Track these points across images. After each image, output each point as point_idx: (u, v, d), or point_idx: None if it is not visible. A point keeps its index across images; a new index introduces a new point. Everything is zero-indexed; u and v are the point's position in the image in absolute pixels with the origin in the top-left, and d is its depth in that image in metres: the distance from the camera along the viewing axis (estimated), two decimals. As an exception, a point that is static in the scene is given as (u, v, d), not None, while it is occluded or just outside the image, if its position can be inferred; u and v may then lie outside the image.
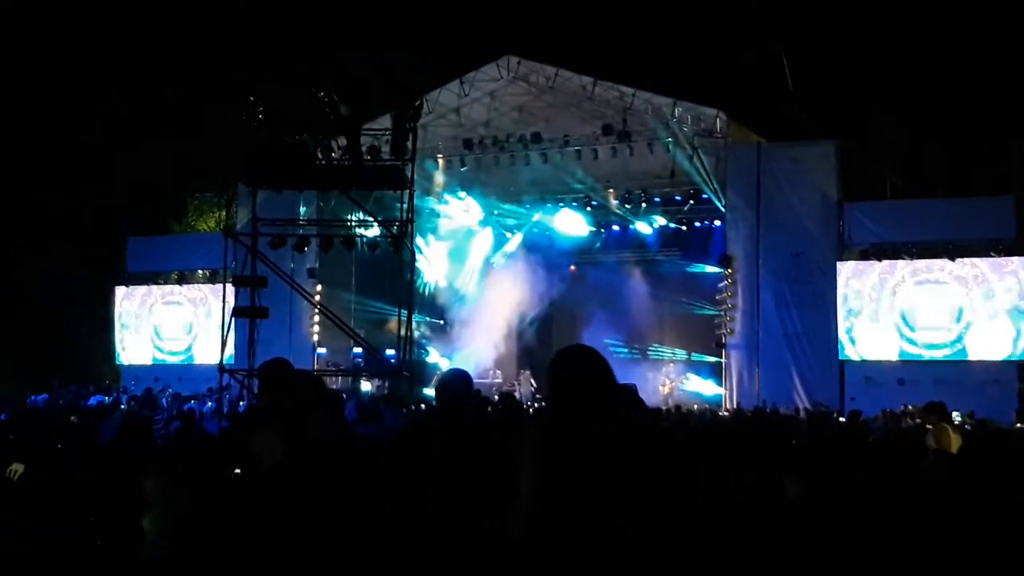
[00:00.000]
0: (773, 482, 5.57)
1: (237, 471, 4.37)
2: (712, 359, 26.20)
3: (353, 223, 23.11)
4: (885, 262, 23.52)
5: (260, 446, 4.14)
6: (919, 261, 23.33)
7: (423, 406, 17.62)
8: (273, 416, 4.35)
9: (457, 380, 5.16)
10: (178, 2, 29.98)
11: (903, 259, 23.48)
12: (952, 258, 22.91)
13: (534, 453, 3.57)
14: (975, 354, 22.57)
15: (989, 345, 22.50)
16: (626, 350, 28.71)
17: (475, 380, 26.07)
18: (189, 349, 28.65)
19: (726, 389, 24.41)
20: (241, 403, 19.11)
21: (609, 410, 3.58)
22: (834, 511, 5.28)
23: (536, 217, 29.61)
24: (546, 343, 30.18)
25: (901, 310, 23.28)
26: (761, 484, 5.54)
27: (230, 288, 19.20)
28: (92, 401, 20.93)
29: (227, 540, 3.88)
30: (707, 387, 26.62)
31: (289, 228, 21.65)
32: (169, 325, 29.06)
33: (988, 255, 22.81)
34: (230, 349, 20.94)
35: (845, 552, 4.81)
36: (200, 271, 29.54)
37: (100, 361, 29.92)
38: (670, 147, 25.10)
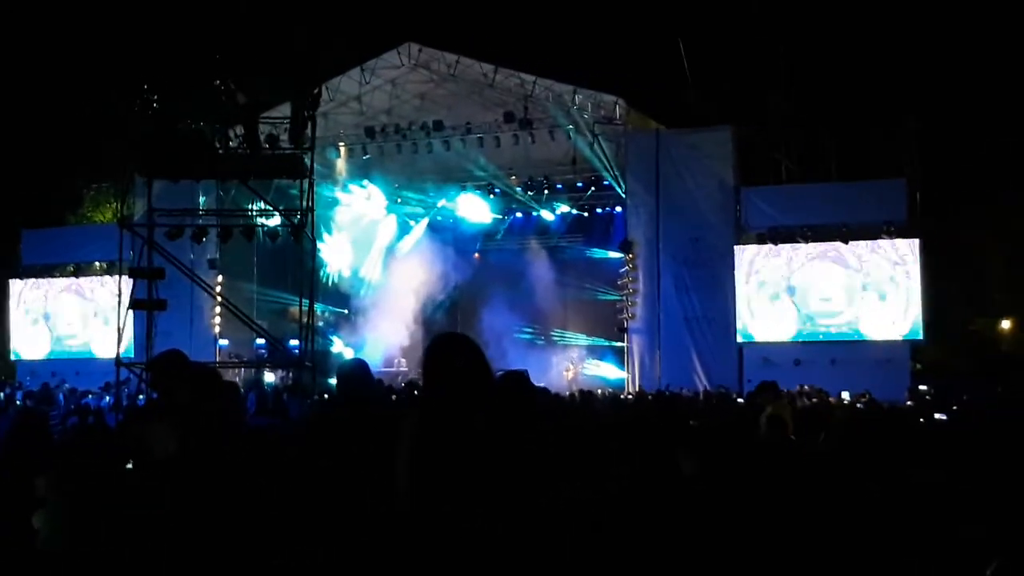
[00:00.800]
0: (670, 461, 5.69)
1: (129, 465, 4.32)
2: (615, 343, 26.51)
3: (253, 213, 22.81)
4: (781, 245, 24.03)
5: (153, 440, 4.10)
6: (814, 244, 23.90)
7: (326, 396, 17.52)
8: (166, 410, 4.30)
9: (357, 370, 5.16)
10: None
11: (798, 242, 24.02)
12: (846, 240, 23.52)
13: (407, 442, 3.60)
14: (869, 334, 23.25)
15: (882, 326, 23.19)
16: (530, 335, 28.89)
17: (381, 369, 26.09)
18: (86, 343, 28.01)
19: (628, 373, 24.74)
20: (140, 397, 18.78)
21: (478, 398, 3.62)
22: (727, 487, 5.41)
23: (440, 204, 29.59)
24: (450, 330, 30.18)
25: (797, 292, 23.85)
26: (658, 464, 5.66)
27: (127, 280, 18.83)
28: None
29: (119, 534, 3.84)
30: (610, 371, 26.92)
31: (187, 218, 21.29)
32: (65, 319, 28.38)
33: (881, 237, 23.46)
34: (128, 342, 20.57)
35: (737, 527, 4.95)
36: (97, 263, 28.88)
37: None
38: (571, 134, 25.32)
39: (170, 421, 4.14)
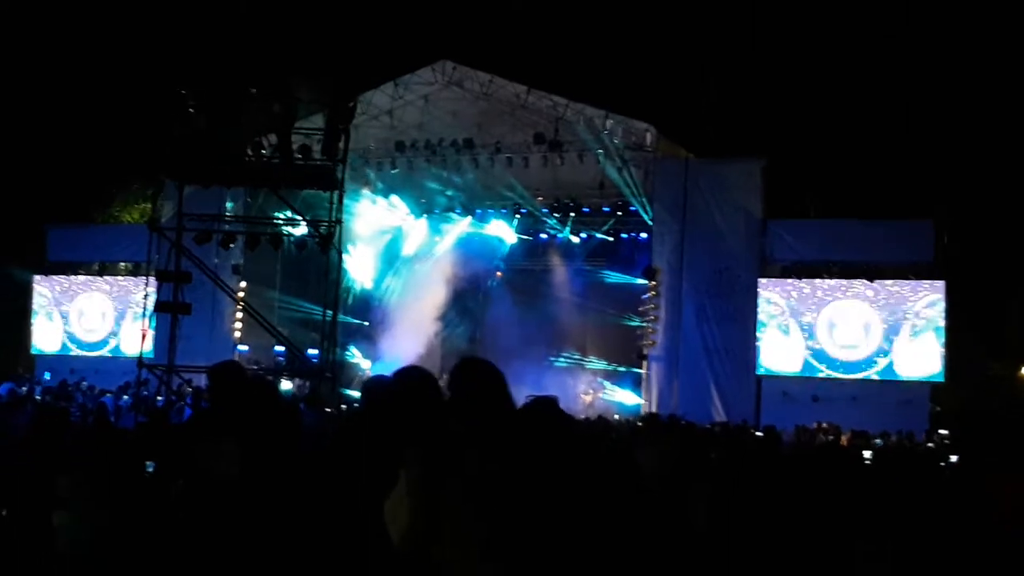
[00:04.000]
0: (684, 495, 5.67)
1: (182, 482, 4.25)
2: (634, 369, 26.44)
3: (281, 221, 22.93)
4: (805, 280, 24.00)
5: (211, 458, 3.98)
6: (838, 280, 23.85)
7: (343, 407, 17.55)
8: (225, 425, 4.10)
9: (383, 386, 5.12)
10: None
11: (823, 277, 23.98)
12: (871, 279, 23.47)
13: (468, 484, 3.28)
14: (889, 374, 23.15)
15: (903, 366, 23.11)
16: (550, 356, 28.84)
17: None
18: (107, 342, 28.19)
19: (646, 400, 24.69)
20: (159, 398, 18.89)
21: (496, 429, 3.51)
22: (744, 524, 5.40)
23: (466, 222, 29.64)
24: (471, 348, 30.27)
25: (819, 328, 23.78)
26: (674, 498, 5.64)
27: (152, 282, 18.98)
28: (2, 390, 20.50)
29: (167, 552, 3.78)
30: (628, 397, 26.85)
31: (215, 224, 21.45)
32: (88, 316, 28.57)
33: (906, 277, 23.39)
34: (149, 343, 20.70)
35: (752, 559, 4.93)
36: (122, 263, 29.07)
37: (15, 351, 29.28)
38: (600, 158, 25.34)
39: (232, 438, 3.93)
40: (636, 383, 26.19)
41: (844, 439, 18.06)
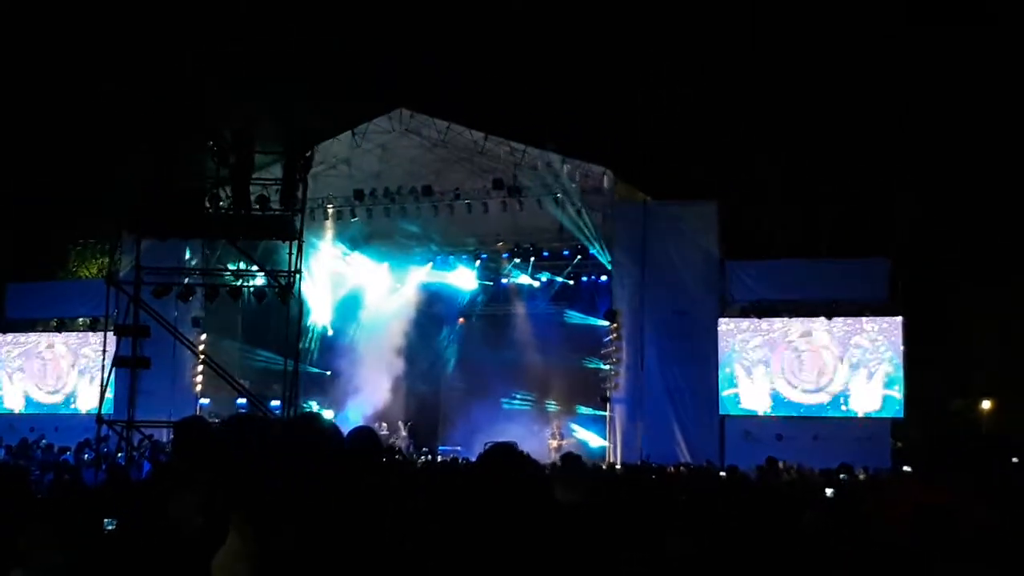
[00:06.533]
0: (656, 539, 5.68)
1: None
2: (598, 412, 26.40)
3: (241, 272, 22.80)
4: (764, 319, 24.18)
5: (179, 511, 3.92)
6: (797, 319, 24.06)
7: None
8: (190, 478, 4.03)
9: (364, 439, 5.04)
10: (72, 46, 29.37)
11: (782, 316, 24.17)
12: (829, 316, 23.70)
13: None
14: (850, 411, 23.32)
15: (863, 402, 23.30)
16: (514, 402, 28.76)
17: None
18: (68, 400, 27.81)
19: (610, 443, 24.67)
20: (119, 454, 18.64)
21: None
22: (716, 564, 5.41)
23: (426, 269, 29.64)
24: (433, 395, 30.22)
25: (779, 367, 23.95)
26: (645, 541, 5.64)
27: (111, 337, 18.80)
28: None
29: None
30: (592, 438, 26.78)
31: (174, 276, 21.30)
32: (47, 373, 28.18)
33: (864, 314, 23.63)
34: (108, 399, 20.44)
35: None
36: (80, 319, 28.75)
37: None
38: (558, 203, 25.45)
39: (197, 491, 3.86)
40: (600, 424, 26.14)
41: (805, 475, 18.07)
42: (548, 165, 25.33)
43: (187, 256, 24.74)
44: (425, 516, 3.84)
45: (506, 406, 28.20)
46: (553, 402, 28.79)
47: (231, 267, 23.80)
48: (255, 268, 21.68)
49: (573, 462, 6.70)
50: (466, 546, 3.37)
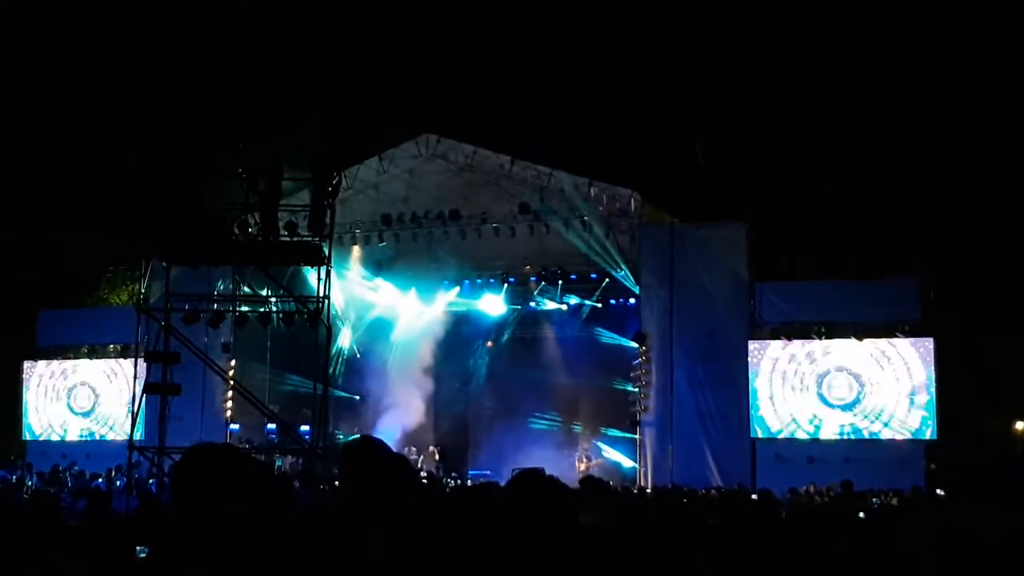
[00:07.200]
0: (683, 560, 5.64)
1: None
2: (628, 435, 26.27)
3: (270, 298, 22.92)
4: (795, 341, 24.02)
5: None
6: (828, 340, 23.89)
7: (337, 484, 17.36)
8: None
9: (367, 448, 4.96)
10: (101, 76, 29.71)
11: (812, 338, 24.02)
12: (860, 338, 23.52)
13: None
14: (883, 434, 23.11)
15: (895, 424, 23.07)
16: (543, 424, 28.70)
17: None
18: (100, 426, 27.95)
19: (641, 466, 24.53)
20: (151, 481, 18.73)
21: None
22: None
23: (454, 293, 29.66)
24: (462, 418, 30.19)
25: (810, 389, 23.77)
26: (671, 563, 5.61)
27: (142, 363, 18.91)
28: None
29: None
30: (624, 460, 26.63)
31: (203, 303, 21.44)
32: (78, 400, 28.35)
33: (895, 335, 23.45)
34: (140, 425, 20.56)
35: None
36: (111, 345, 28.93)
37: (8, 437, 29.01)
38: (585, 226, 25.44)
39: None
40: (630, 447, 26.00)
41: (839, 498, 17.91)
42: (575, 188, 25.34)
43: (217, 282, 24.91)
44: (449, 538, 3.82)
45: (534, 427, 28.16)
46: (580, 424, 28.74)
47: (260, 293, 23.92)
48: (284, 294, 21.80)
49: (594, 484, 6.68)
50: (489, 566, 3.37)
